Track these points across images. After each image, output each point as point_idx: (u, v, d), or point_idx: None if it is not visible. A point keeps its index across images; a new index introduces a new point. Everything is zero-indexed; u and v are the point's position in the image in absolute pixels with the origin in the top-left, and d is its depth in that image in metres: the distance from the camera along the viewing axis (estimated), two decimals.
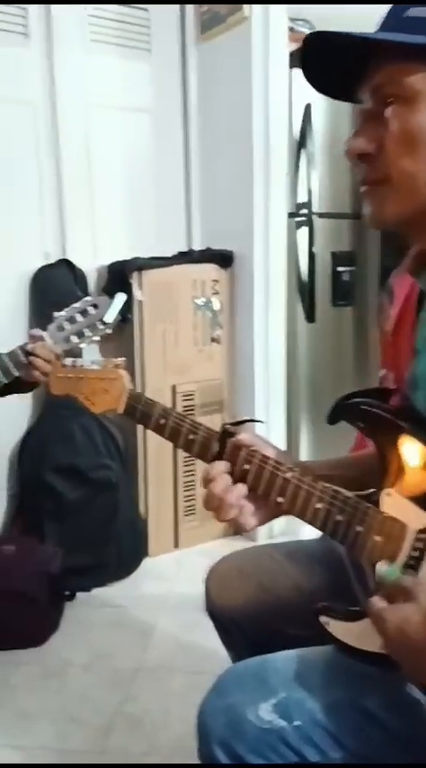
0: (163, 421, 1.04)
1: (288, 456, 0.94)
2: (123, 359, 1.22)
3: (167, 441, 1.08)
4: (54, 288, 2.48)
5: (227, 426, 0.97)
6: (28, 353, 1.55)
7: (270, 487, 0.88)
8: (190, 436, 1.01)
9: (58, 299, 2.43)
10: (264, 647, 0.98)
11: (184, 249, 2.78)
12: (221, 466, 0.90)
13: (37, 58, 2.43)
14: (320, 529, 0.85)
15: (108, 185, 2.62)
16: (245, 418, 1.07)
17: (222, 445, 0.96)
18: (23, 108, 2.42)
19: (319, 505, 0.84)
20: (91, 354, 1.80)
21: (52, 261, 2.52)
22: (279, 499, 0.87)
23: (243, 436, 0.96)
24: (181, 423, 1.02)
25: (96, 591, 2.36)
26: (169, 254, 2.64)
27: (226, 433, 0.96)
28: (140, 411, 1.10)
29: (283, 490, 0.87)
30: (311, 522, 0.86)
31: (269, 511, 0.91)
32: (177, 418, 1.03)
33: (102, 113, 2.58)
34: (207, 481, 0.90)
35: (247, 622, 1.12)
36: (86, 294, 2.55)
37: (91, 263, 2.59)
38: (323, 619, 0.82)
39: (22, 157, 2.44)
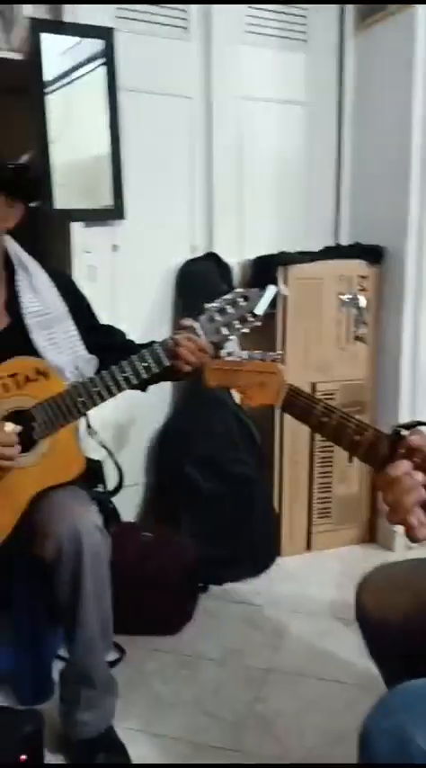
0: (325, 419, 0.99)
1: None
2: (281, 353, 1.19)
3: (329, 440, 1.03)
4: (200, 281, 2.50)
5: (399, 428, 0.91)
6: (178, 343, 1.56)
7: None
8: (356, 437, 0.95)
9: (204, 292, 2.45)
10: (422, 664, 0.92)
11: (331, 244, 2.71)
12: (405, 466, 0.83)
13: (195, 52, 2.45)
14: None
15: (258, 178, 2.61)
16: (416, 420, 1.00)
17: (392, 448, 0.90)
18: (180, 101, 2.45)
19: None
20: (231, 348, 1.79)
21: (199, 254, 2.54)
22: None
23: (415, 438, 0.89)
24: (346, 422, 0.97)
25: (229, 585, 2.35)
26: (316, 249, 2.58)
27: (397, 436, 0.90)
28: (300, 407, 1.06)
29: None
30: None
31: None
32: (342, 417, 0.98)
33: (256, 106, 2.56)
34: (389, 482, 0.83)
35: (406, 638, 1.06)
36: (231, 287, 2.55)
37: (237, 256, 2.59)
38: None
39: (176, 150, 2.47)
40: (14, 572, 1.65)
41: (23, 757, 1.27)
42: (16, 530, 1.51)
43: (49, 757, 1.48)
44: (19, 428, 1.50)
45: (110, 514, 1.71)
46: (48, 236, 2.33)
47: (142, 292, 2.48)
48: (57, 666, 1.78)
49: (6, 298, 1.62)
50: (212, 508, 2.40)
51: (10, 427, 1.48)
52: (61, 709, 1.58)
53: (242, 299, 1.56)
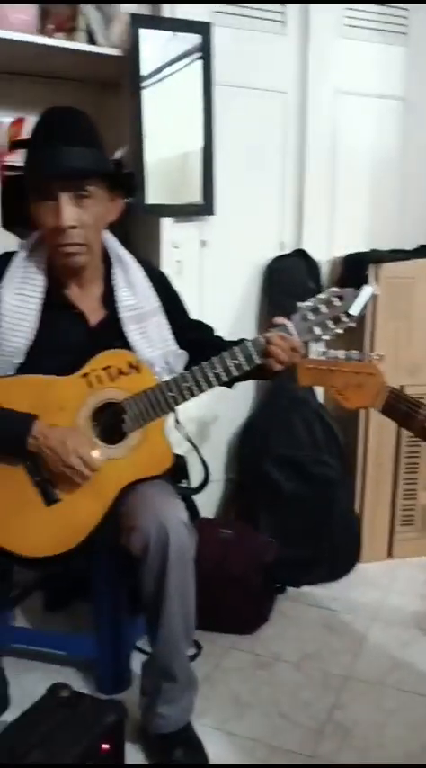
0: None
1: None
2: (381, 353, 1.15)
3: None
4: (287, 278, 2.47)
5: None
6: (269, 341, 1.54)
7: None
8: None
9: (291, 290, 2.44)
10: None
11: None
12: None
13: (292, 47, 2.41)
14: None
15: (351, 174, 2.55)
16: None
17: None
18: (274, 96, 2.42)
19: None
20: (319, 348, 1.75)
21: (288, 251, 2.51)
22: None
23: None
24: None
25: (306, 588, 2.32)
26: (409, 248, 2.51)
27: None
28: (403, 411, 1.02)
29: None
30: None
31: None
32: None
33: (352, 101, 2.50)
34: None
35: None
36: (319, 286, 2.51)
37: (326, 254, 2.54)
38: None
39: (268, 146, 2.44)
40: (99, 561, 1.68)
41: (105, 746, 1.28)
42: (102, 520, 1.53)
43: (127, 747, 1.49)
44: (104, 459, 1.52)
45: (194, 509, 1.71)
46: (137, 231, 2.35)
47: (228, 288, 2.47)
48: (136, 657, 1.81)
49: (103, 291, 1.64)
50: (292, 508, 2.37)
51: (97, 454, 1.50)
52: (141, 702, 1.59)
53: (336, 299, 1.52)
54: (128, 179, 1.62)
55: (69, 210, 1.47)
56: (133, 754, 1.55)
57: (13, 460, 1.50)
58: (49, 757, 1.19)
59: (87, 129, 1.53)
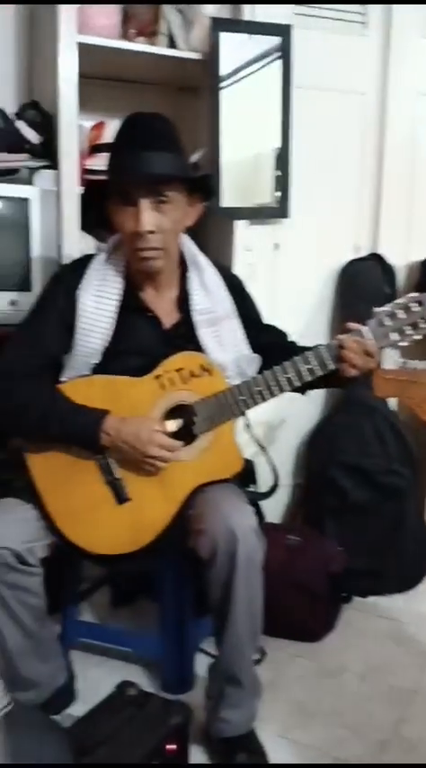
0: None
1: None
2: None
3: None
4: (361, 282, 2.43)
5: None
6: (343, 345, 1.52)
7: None
8: None
9: (366, 294, 2.40)
10: None
11: None
12: None
13: (373, 47, 2.37)
14: None
15: None
16: None
17: None
18: (353, 98, 2.38)
19: None
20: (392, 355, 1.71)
21: (363, 254, 2.47)
22: None
23: None
24: None
25: (373, 599, 2.28)
26: None
27: None
28: None
29: None
30: None
31: None
32: None
33: None
34: None
35: None
36: (394, 290, 2.46)
37: (403, 258, 2.49)
38: None
39: (345, 148, 2.41)
40: (166, 560, 1.69)
41: (171, 747, 1.29)
42: (171, 522, 1.54)
43: (191, 749, 1.49)
44: (180, 423, 1.52)
45: (262, 514, 1.70)
46: (211, 234, 2.36)
47: (301, 292, 2.44)
48: (201, 658, 1.82)
49: (178, 294, 1.65)
50: (360, 518, 2.33)
51: (173, 425, 1.51)
52: (206, 705, 1.59)
53: (416, 304, 1.49)
54: (207, 184, 1.62)
55: (148, 215, 1.48)
56: (196, 755, 1.55)
57: (86, 458, 1.53)
58: (116, 755, 1.21)
59: (169, 135, 1.54)
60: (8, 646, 1.51)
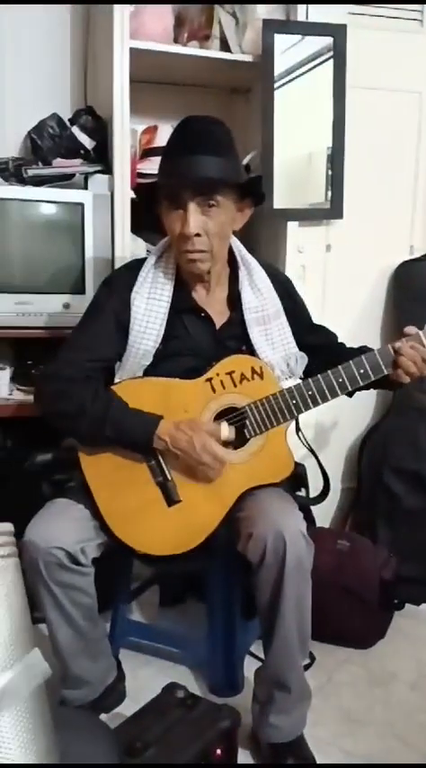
0: None
1: None
2: None
3: None
4: (416, 284, 2.38)
5: None
6: (399, 351, 1.49)
7: None
8: None
9: (420, 297, 2.35)
10: None
11: None
12: None
13: None
14: None
15: None
16: None
17: None
18: (408, 97, 2.34)
19: None
20: None
21: (417, 255, 2.42)
22: None
23: None
24: None
25: (425, 606, 2.24)
26: None
27: None
28: None
29: None
30: None
31: None
32: None
33: None
34: None
35: None
36: None
37: None
38: None
39: (400, 147, 2.36)
40: (215, 562, 1.69)
41: (219, 751, 1.29)
42: (221, 524, 1.54)
43: (239, 753, 1.49)
44: (233, 431, 1.52)
45: (311, 518, 1.69)
46: (263, 234, 2.35)
47: (353, 294, 2.41)
48: (249, 662, 1.81)
49: (228, 294, 1.66)
50: (413, 524, 2.28)
51: (226, 431, 1.51)
52: (253, 709, 1.59)
53: None
54: (257, 189, 1.62)
55: (195, 219, 1.49)
56: (244, 758, 1.55)
57: (137, 460, 1.54)
58: (164, 756, 1.21)
59: (221, 138, 1.54)
60: (60, 644, 1.53)
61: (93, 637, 1.59)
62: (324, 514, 2.47)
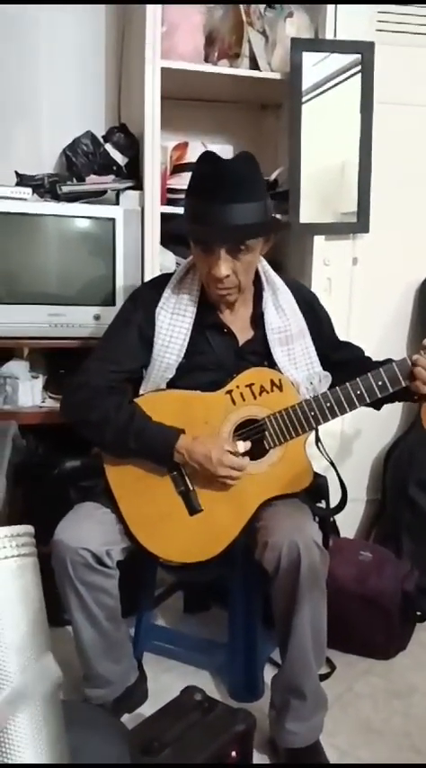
0: None
1: None
2: None
3: None
4: None
5: None
6: (416, 363, 1.52)
7: None
8: None
9: None
10: None
11: None
12: None
13: None
14: None
15: None
16: None
17: None
18: None
19: None
20: None
21: None
22: None
23: None
24: None
25: None
26: None
27: None
28: None
29: None
30: None
31: None
32: None
33: None
34: None
35: None
36: None
37: None
38: None
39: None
40: (235, 570, 1.73)
41: (234, 754, 1.32)
42: (241, 533, 1.58)
43: (255, 757, 1.52)
44: (249, 445, 1.56)
45: (329, 529, 1.71)
46: (289, 248, 2.39)
47: (379, 307, 2.43)
48: (269, 669, 1.84)
49: (252, 313, 1.69)
50: None
51: (242, 446, 1.55)
52: (270, 715, 1.62)
53: None
54: (284, 226, 1.64)
55: (225, 264, 1.53)
56: (261, 762, 1.58)
57: (160, 470, 1.59)
58: (180, 757, 1.25)
59: (252, 181, 1.52)
60: (84, 644, 1.59)
61: (116, 638, 1.64)
62: (349, 526, 2.49)
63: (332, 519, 2.24)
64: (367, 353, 1.82)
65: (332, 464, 1.74)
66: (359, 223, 2.29)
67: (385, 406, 1.69)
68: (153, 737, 1.27)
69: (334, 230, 2.29)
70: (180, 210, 1.84)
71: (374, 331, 2.39)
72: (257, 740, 1.53)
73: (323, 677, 1.84)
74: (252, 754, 1.40)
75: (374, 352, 1.81)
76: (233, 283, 1.57)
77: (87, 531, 1.52)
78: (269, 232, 1.59)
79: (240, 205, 1.49)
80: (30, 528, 0.64)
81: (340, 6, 2.19)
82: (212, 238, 1.52)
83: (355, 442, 2.46)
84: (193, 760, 1.25)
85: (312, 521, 1.52)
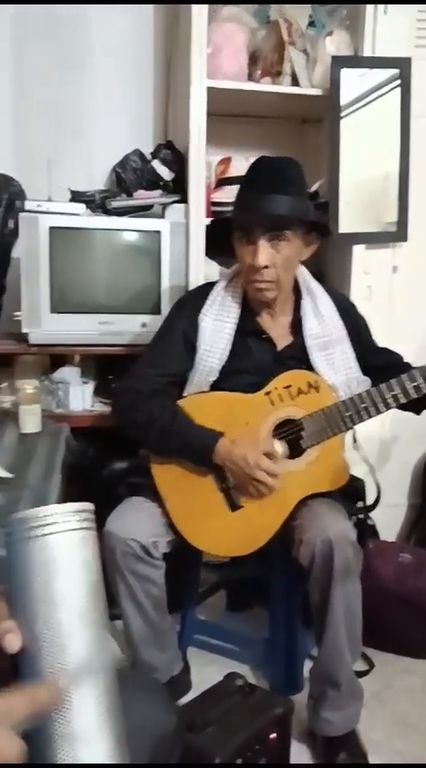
0: None
1: None
2: None
3: None
4: None
5: None
6: None
7: None
8: None
9: None
10: None
11: None
12: None
13: None
14: None
15: None
16: None
17: None
18: None
19: None
20: None
21: None
22: None
23: None
24: None
25: None
26: None
27: None
28: None
29: None
30: None
31: None
32: None
33: None
34: None
35: None
36: None
37: None
38: None
39: None
40: (275, 569, 1.79)
41: (273, 735, 1.39)
42: (280, 530, 1.65)
43: (295, 746, 1.58)
44: (287, 449, 1.63)
45: (367, 531, 1.76)
46: (330, 256, 2.45)
47: (420, 315, 2.46)
48: (309, 665, 1.89)
49: (292, 320, 1.77)
50: None
51: (280, 448, 1.63)
52: (308, 704, 1.68)
53: None
54: (321, 226, 1.72)
55: (264, 252, 1.62)
56: (300, 752, 1.64)
57: (203, 469, 1.68)
58: (222, 735, 1.32)
59: (292, 178, 1.65)
60: (132, 632, 1.68)
61: (162, 628, 1.72)
62: (389, 530, 2.52)
63: (372, 522, 2.30)
64: (407, 360, 1.87)
65: (367, 463, 1.79)
66: (398, 232, 2.35)
67: (425, 411, 1.74)
68: (197, 716, 1.35)
69: (373, 239, 2.35)
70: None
71: (414, 338, 2.41)
72: (297, 731, 1.61)
73: (362, 674, 1.89)
74: (290, 738, 1.47)
75: (414, 358, 1.85)
76: (272, 277, 1.65)
77: (135, 522, 1.61)
78: (307, 222, 1.67)
79: (280, 196, 1.60)
80: (90, 505, 0.65)
81: (378, 23, 2.26)
82: (252, 222, 1.62)
83: (395, 447, 2.50)
84: (234, 738, 1.32)
85: (346, 518, 1.59)
